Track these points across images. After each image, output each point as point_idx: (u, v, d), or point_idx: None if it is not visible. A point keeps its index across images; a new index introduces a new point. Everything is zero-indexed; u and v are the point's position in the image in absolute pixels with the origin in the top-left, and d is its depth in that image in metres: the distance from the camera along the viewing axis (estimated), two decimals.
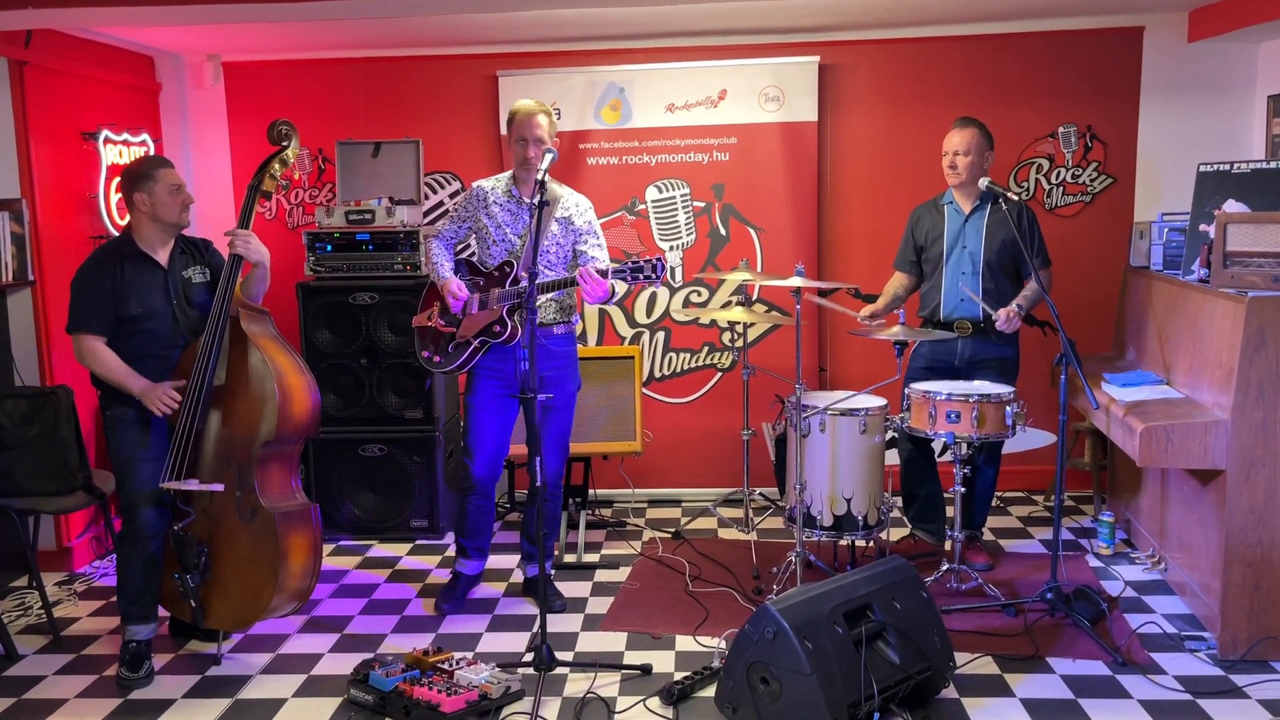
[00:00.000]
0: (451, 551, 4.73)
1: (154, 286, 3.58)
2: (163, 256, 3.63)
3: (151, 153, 5.16)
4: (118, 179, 4.09)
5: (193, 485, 3.47)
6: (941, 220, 4.24)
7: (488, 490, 4.00)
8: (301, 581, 3.60)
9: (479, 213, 3.95)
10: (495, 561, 4.58)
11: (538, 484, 3.42)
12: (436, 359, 3.95)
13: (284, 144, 3.75)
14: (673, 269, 5.29)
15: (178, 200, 3.59)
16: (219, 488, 3.49)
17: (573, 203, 3.93)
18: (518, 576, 4.38)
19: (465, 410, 4.01)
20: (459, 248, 4.22)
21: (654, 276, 3.50)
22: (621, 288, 3.70)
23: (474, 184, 4.01)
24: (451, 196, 5.44)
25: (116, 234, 4.14)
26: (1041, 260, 4.16)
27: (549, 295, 3.85)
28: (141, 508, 3.49)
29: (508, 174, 3.99)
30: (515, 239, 3.90)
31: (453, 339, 3.90)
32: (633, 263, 3.53)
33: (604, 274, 3.57)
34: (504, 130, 4.31)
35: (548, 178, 3.57)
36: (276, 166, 3.74)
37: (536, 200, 3.46)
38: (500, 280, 3.83)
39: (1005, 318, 4.02)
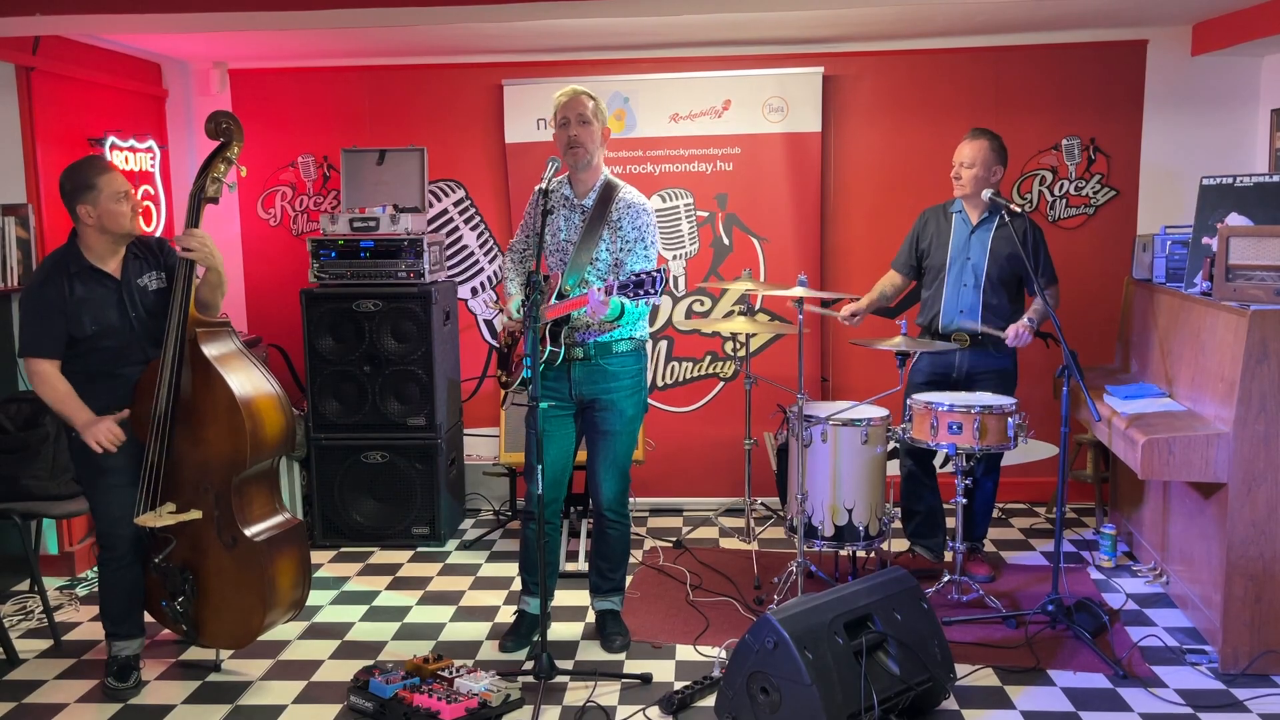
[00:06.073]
0: (452, 559, 4.74)
1: (107, 301, 3.30)
2: (114, 267, 3.33)
3: (156, 159, 5.18)
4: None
5: (169, 520, 3.29)
6: (948, 228, 4.23)
7: (550, 516, 3.66)
8: (293, 594, 3.54)
9: (535, 218, 3.63)
10: (496, 569, 4.58)
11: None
12: (503, 378, 3.71)
13: (225, 140, 3.40)
14: (676, 278, 5.30)
15: (125, 208, 3.27)
16: (196, 515, 3.35)
17: (625, 204, 3.57)
18: (519, 585, 4.29)
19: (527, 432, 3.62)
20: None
21: (653, 291, 3.16)
22: (638, 304, 3.25)
23: (538, 185, 3.60)
24: (456, 205, 5.45)
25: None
26: (1048, 278, 4.14)
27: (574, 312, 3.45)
28: (119, 537, 3.39)
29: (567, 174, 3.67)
30: (570, 247, 3.58)
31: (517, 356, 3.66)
32: (635, 278, 3.19)
33: (608, 291, 3.21)
34: (548, 134, 4.22)
35: (608, 174, 3.55)
36: (221, 167, 3.38)
37: (542, 206, 3.43)
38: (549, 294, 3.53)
39: (1015, 334, 4.01)
